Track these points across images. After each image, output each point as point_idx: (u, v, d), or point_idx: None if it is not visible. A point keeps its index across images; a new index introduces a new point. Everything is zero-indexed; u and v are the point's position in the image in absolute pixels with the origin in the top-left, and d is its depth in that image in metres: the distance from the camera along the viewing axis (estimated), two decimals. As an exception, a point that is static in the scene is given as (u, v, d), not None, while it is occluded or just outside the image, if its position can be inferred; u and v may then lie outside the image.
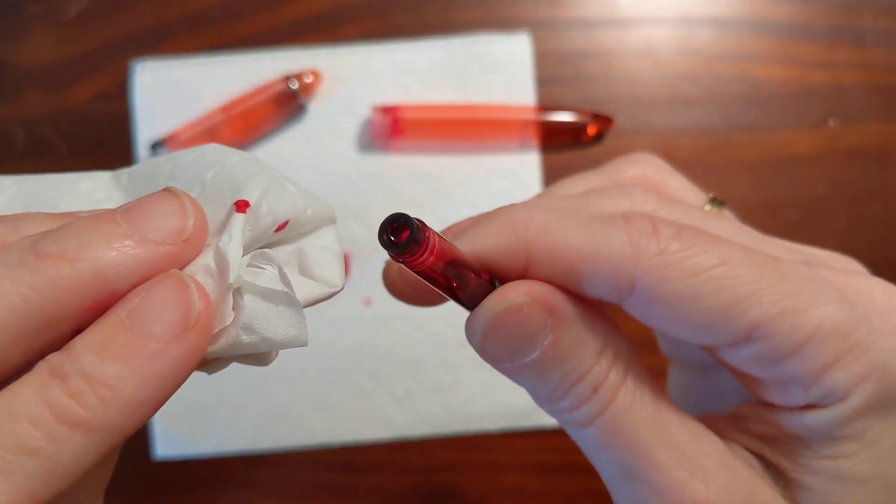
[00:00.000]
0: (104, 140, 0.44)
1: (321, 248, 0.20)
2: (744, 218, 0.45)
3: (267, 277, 0.18)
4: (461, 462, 0.44)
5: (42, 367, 0.16)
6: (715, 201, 0.25)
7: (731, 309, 0.18)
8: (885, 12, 0.45)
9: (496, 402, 0.43)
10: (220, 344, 0.17)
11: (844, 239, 0.45)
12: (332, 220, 0.21)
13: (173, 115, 0.44)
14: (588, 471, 0.43)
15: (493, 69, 0.44)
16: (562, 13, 0.45)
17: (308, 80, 0.43)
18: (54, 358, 0.16)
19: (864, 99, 0.45)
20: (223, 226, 0.18)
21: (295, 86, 0.43)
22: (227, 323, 0.17)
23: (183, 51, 0.45)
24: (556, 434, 0.43)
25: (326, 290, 0.20)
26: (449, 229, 0.22)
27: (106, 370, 0.15)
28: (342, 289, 0.20)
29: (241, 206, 0.18)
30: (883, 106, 0.45)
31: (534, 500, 0.43)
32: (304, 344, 0.18)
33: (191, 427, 0.43)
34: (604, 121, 0.44)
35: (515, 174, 0.44)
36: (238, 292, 0.17)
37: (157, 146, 0.42)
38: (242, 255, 0.17)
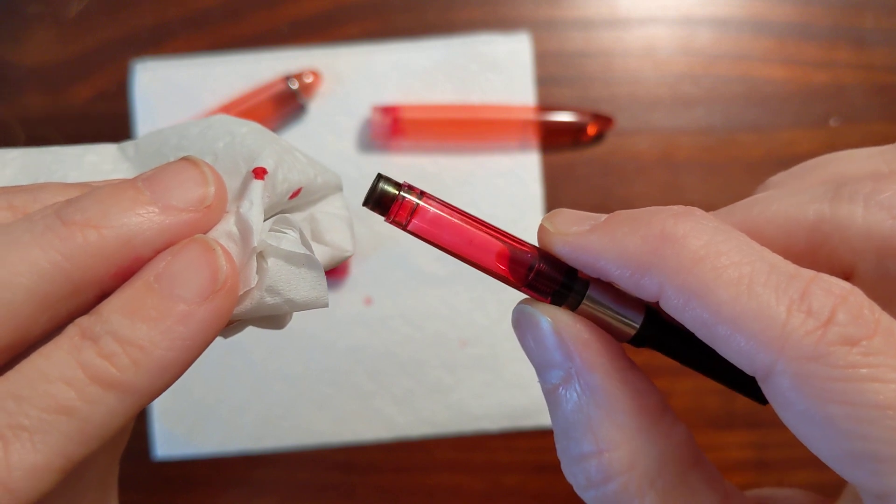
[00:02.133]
0: (104, 140, 0.44)
1: (331, 215, 0.21)
2: (744, 218, 0.45)
3: (289, 241, 0.18)
4: (461, 462, 0.44)
5: (73, 329, 0.16)
6: None
7: (869, 464, 0.14)
8: (886, 12, 0.45)
9: (496, 402, 0.43)
10: (245, 306, 0.18)
11: (845, 239, 0.45)
12: (339, 188, 0.21)
13: (173, 114, 0.44)
14: (588, 471, 0.43)
15: (493, 69, 0.44)
16: (562, 13, 0.45)
17: (308, 80, 0.43)
18: (84, 321, 0.16)
19: (864, 99, 0.45)
20: (241, 193, 0.18)
21: (295, 86, 0.43)
22: (252, 285, 0.18)
23: (183, 51, 0.45)
24: (557, 434, 0.43)
25: (338, 255, 0.20)
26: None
27: (137, 332, 0.16)
28: (352, 253, 0.21)
29: (259, 173, 0.18)
30: (883, 106, 0.45)
31: (534, 500, 0.43)
32: (325, 305, 0.19)
33: (191, 427, 0.43)
34: (604, 121, 0.44)
35: (515, 174, 0.44)
36: (261, 256, 0.18)
37: (157, 146, 0.42)
38: (263, 221, 0.18)
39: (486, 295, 0.43)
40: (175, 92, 0.44)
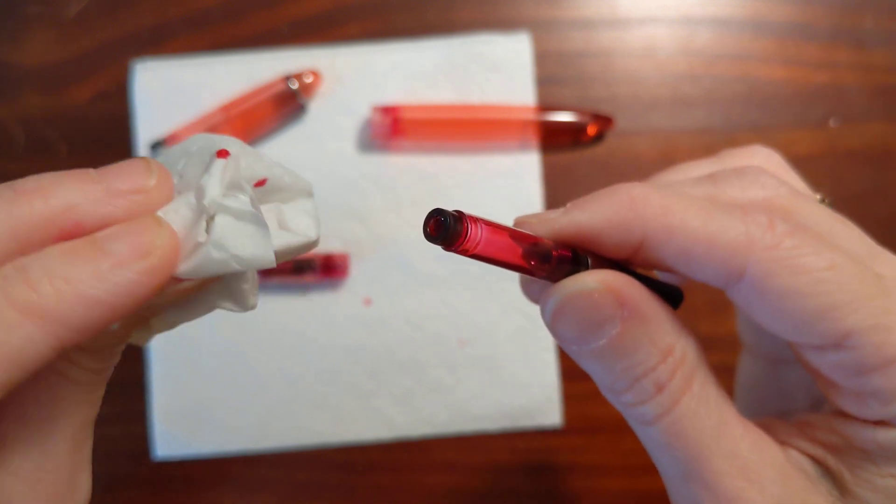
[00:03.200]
0: (104, 140, 0.44)
1: (298, 209, 0.22)
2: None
3: (238, 202, 0.19)
4: (461, 462, 0.44)
5: (9, 265, 0.17)
6: (824, 202, 0.24)
7: (830, 313, 0.18)
8: (886, 13, 0.45)
9: (496, 402, 0.43)
10: (193, 261, 0.19)
11: (845, 239, 0.45)
12: (309, 194, 0.22)
13: (173, 115, 0.44)
14: (588, 471, 0.43)
15: (493, 69, 0.44)
16: (562, 13, 0.45)
17: (308, 80, 0.43)
18: (22, 258, 0.17)
19: (864, 99, 0.45)
20: (203, 172, 0.20)
21: (295, 86, 0.43)
22: (200, 240, 0.19)
23: (183, 51, 0.45)
24: (557, 434, 0.43)
25: (301, 240, 0.21)
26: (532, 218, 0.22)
27: (66, 269, 0.17)
28: (317, 241, 0.21)
29: (222, 153, 0.20)
30: (883, 106, 0.45)
31: (534, 500, 0.43)
32: (272, 264, 0.20)
33: (191, 427, 0.43)
34: (604, 121, 0.44)
35: (515, 174, 0.44)
36: (212, 219, 0.19)
37: (157, 146, 0.42)
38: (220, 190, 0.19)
39: (486, 295, 0.43)
40: (175, 92, 0.44)
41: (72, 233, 0.18)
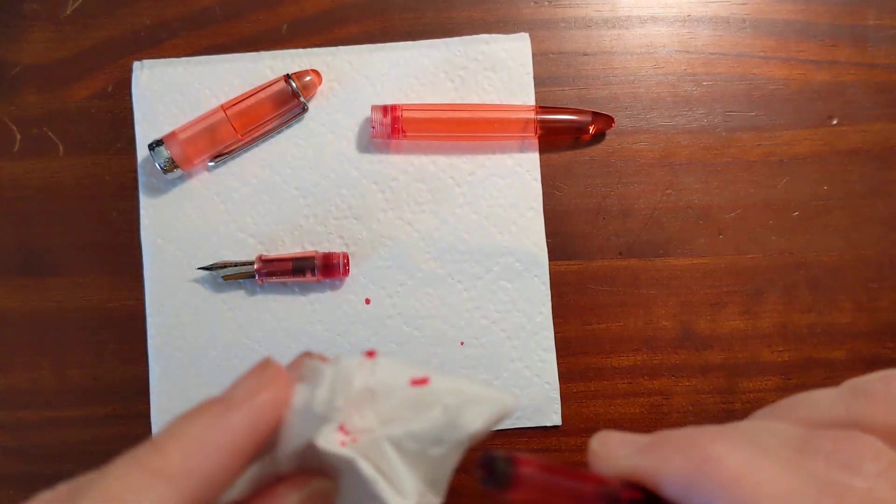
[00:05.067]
0: (103, 140, 0.44)
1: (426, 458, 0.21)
2: (745, 218, 0.45)
3: (362, 467, 0.19)
4: (461, 462, 0.43)
5: None
6: None
7: None
8: (888, 10, 0.45)
9: (496, 403, 0.43)
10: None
11: (846, 239, 0.44)
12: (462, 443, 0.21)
13: (172, 114, 0.44)
14: (588, 471, 0.43)
15: (493, 69, 0.44)
16: (562, 13, 0.45)
17: (308, 79, 0.43)
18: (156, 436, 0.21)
19: (865, 98, 0.45)
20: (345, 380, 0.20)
21: (295, 86, 0.43)
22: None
23: (183, 51, 0.45)
24: (557, 434, 0.43)
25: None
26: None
27: (187, 426, 0.20)
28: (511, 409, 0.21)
29: (371, 353, 0.20)
30: (885, 105, 0.45)
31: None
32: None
33: (190, 427, 0.43)
34: (604, 120, 0.44)
35: (515, 174, 0.44)
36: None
37: (155, 145, 0.42)
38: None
39: (486, 295, 0.43)
40: (174, 92, 0.44)
41: None
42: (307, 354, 0.23)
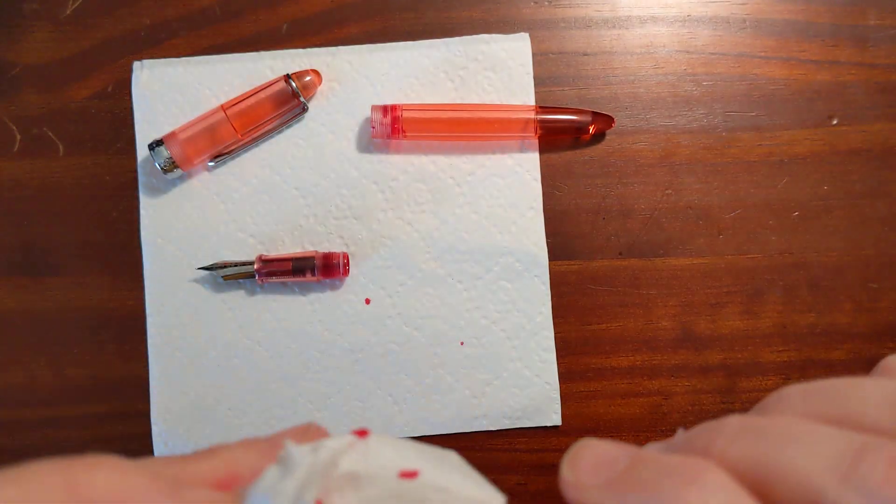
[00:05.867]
0: (102, 140, 0.44)
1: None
2: (745, 218, 0.45)
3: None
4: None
5: None
6: None
7: None
8: (889, 10, 0.45)
9: (496, 402, 0.43)
10: None
11: (846, 239, 0.44)
12: None
13: (172, 114, 0.44)
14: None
15: (493, 69, 0.44)
16: (562, 13, 0.45)
17: (308, 79, 0.43)
18: None
19: (866, 98, 0.45)
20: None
21: (295, 86, 0.43)
22: None
23: (183, 51, 0.45)
24: (556, 434, 0.43)
25: None
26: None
27: None
28: None
29: (361, 433, 0.20)
30: (886, 105, 0.45)
31: (534, 500, 0.43)
32: None
33: (190, 427, 0.43)
34: (604, 120, 0.44)
35: (515, 174, 0.44)
36: None
37: (154, 145, 0.42)
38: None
39: (486, 295, 0.43)
40: (174, 91, 0.44)
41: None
42: (309, 428, 0.24)
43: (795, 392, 0.18)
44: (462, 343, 0.43)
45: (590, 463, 0.18)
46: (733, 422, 0.17)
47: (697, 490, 0.15)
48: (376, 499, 0.18)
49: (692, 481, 0.16)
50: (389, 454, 0.19)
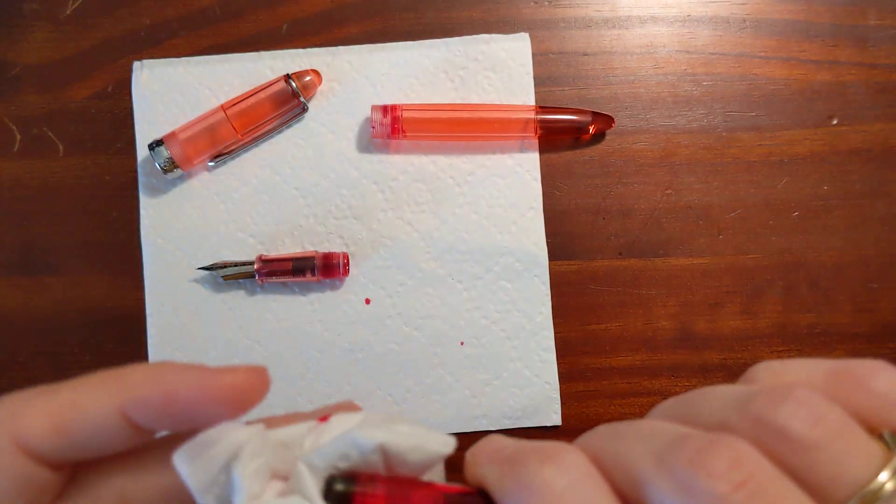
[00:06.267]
0: (102, 140, 0.44)
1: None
2: (745, 218, 0.45)
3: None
4: (461, 462, 0.43)
5: None
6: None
7: None
8: (889, 10, 0.45)
9: (496, 402, 0.43)
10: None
11: (846, 239, 0.44)
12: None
13: (172, 114, 0.44)
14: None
15: (493, 69, 0.44)
16: (562, 13, 0.45)
17: (308, 79, 0.43)
18: None
19: (866, 98, 0.45)
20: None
21: (295, 86, 0.43)
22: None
23: (183, 51, 0.45)
24: (557, 434, 0.43)
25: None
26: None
27: None
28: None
29: (323, 418, 0.21)
30: (886, 105, 0.45)
31: (534, 501, 0.43)
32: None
33: (190, 427, 0.43)
34: (604, 120, 0.44)
35: (515, 174, 0.44)
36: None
37: (155, 145, 0.42)
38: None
39: (486, 295, 0.43)
40: (174, 91, 0.44)
41: None
42: (350, 405, 0.25)
43: (669, 401, 0.21)
44: (462, 343, 0.43)
45: (487, 451, 0.21)
46: (606, 425, 0.20)
47: (555, 466, 0.19)
48: (307, 446, 0.21)
49: (551, 459, 0.19)
50: (343, 427, 0.21)
